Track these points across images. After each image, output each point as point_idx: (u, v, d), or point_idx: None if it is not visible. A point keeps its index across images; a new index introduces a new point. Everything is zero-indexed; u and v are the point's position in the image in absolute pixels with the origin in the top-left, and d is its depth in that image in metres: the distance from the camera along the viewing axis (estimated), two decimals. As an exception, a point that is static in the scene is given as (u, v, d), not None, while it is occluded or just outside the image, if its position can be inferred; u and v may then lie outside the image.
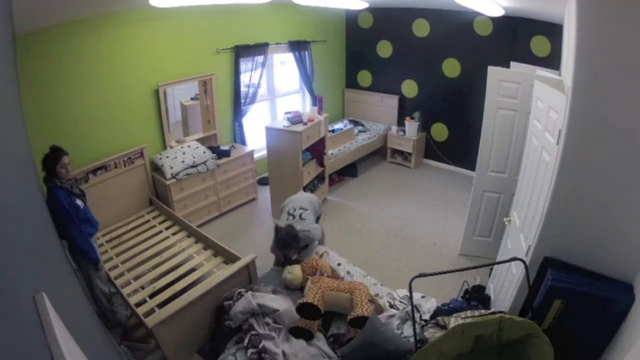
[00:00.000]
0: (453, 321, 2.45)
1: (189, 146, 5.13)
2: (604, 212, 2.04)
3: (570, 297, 2.10)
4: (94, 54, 4.17)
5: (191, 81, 5.24)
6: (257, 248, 4.93)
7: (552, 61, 4.74)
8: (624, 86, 1.82)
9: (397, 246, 4.92)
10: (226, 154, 5.51)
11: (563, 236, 2.23)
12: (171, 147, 5.10)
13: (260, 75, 5.98)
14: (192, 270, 3.77)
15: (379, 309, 3.26)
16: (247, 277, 3.67)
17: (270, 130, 5.17)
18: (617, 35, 1.77)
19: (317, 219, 4.13)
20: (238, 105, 5.88)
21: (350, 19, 7.55)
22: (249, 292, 3.19)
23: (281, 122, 5.16)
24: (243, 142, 6.06)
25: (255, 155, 6.01)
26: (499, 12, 4.95)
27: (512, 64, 4.62)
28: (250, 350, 2.82)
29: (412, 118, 7.20)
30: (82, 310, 2.39)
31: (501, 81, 3.99)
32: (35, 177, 2.14)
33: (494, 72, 4.02)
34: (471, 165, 5.49)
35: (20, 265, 1.37)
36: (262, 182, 6.50)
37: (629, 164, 1.89)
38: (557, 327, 2.19)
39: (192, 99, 5.50)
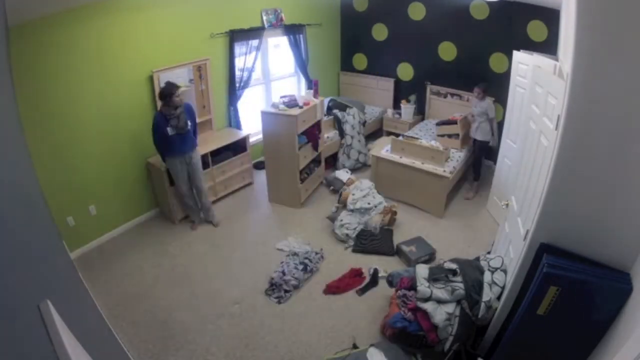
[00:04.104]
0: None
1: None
2: (602, 199, 2.05)
3: (565, 284, 2.12)
4: (85, 44, 4.07)
5: (186, 66, 5.15)
6: (255, 230, 4.99)
7: (549, 46, 4.73)
8: (623, 71, 1.81)
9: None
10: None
11: (561, 222, 2.24)
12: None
13: (255, 59, 5.92)
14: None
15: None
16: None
17: (265, 114, 5.13)
18: (616, 20, 1.77)
19: None
20: (233, 89, 5.82)
21: (345, 2, 7.45)
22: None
23: (277, 106, 5.13)
24: (238, 127, 6.03)
25: (251, 140, 5.98)
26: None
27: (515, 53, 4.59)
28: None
29: (408, 101, 7.22)
30: (91, 316, 2.35)
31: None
32: (35, 176, 2.09)
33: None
34: (466, 149, 5.54)
35: (22, 272, 1.31)
36: (258, 166, 6.49)
37: (628, 151, 1.89)
38: (553, 313, 2.23)
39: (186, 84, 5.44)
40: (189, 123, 4.47)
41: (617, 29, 1.77)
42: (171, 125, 4.36)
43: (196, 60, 5.20)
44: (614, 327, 2.05)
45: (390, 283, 3.61)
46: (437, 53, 6.66)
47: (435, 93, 6.95)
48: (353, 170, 6.27)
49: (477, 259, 3.34)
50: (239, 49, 5.70)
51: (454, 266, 3.21)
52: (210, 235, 4.92)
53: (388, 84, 7.48)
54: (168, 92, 4.27)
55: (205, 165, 5.25)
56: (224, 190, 5.69)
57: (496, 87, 5.97)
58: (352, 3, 7.39)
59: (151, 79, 4.73)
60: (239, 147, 5.76)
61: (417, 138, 5.62)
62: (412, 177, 5.28)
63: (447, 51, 6.55)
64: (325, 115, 6.18)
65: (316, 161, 5.89)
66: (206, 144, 5.32)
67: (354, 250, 4.58)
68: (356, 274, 4.19)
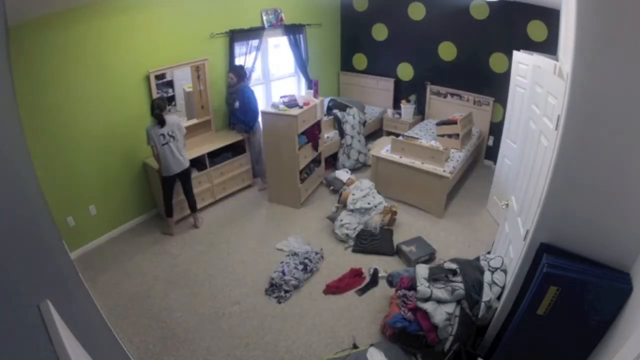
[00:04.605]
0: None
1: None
2: (602, 199, 2.04)
3: (565, 284, 2.11)
4: (84, 45, 4.07)
5: (184, 67, 5.10)
6: (255, 230, 4.99)
7: (549, 46, 4.74)
8: (623, 71, 1.81)
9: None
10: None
11: (561, 222, 2.24)
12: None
13: (255, 59, 5.91)
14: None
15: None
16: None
17: (265, 114, 5.14)
18: (616, 20, 1.76)
19: None
20: (233, 89, 5.83)
21: (345, 2, 7.46)
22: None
23: (277, 106, 5.13)
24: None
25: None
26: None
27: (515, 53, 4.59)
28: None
29: (408, 101, 7.22)
30: (92, 317, 2.35)
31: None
32: (35, 176, 2.08)
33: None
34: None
35: (22, 272, 1.30)
36: (258, 166, 6.50)
37: (628, 151, 1.89)
38: (553, 313, 2.22)
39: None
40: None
41: (617, 29, 1.77)
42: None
43: (194, 60, 5.17)
44: (614, 327, 2.05)
45: (390, 283, 3.61)
46: (437, 53, 6.66)
47: (435, 93, 6.96)
48: (353, 170, 6.27)
49: (477, 259, 3.34)
50: (239, 49, 5.69)
51: (454, 266, 3.21)
52: (211, 235, 4.92)
53: (388, 84, 7.49)
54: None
55: (203, 166, 5.27)
56: (222, 192, 5.66)
57: (496, 87, 5.99)
58: (352, 3, 7.39)
59: (148, 79, 4.71)
60: (238, 148, 5.74)
61: (417, 138, 5.62)
62: (412, 177, 5.28)
63: (447, 51, 6.55)
64: (325, 115, 6.19)
65: (316, 161, 5.89)
66: (204, 145, 5.33)
67: (354, 250, 4.58)
68: (356, 274, 4.19)
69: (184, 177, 4.71)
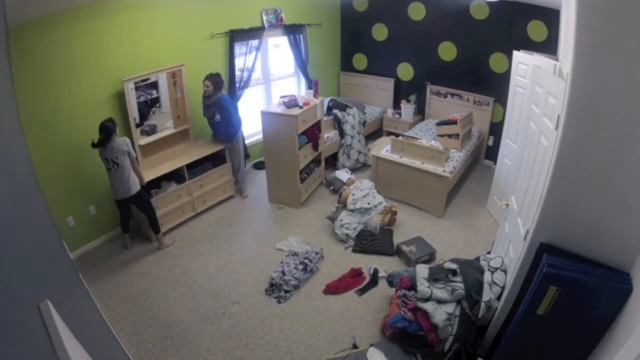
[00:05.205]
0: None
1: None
2: (602, 199, 2.04)
3: (565, 284, 2.11)
4: (85, 43, 4.08)
5: (158, 73, 4.72)
6: (255, 230, 4.98)
7: (549, 46, 4.74)
8: (623, 71, 1.81)
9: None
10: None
11: (561, 222, 2.24)
12: (140, 146, 4.77)
13: (255, 59, 5.91)
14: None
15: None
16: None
17: (265, 114, 5.14)
18: (616, 20, 1.76)
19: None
20: (233, 89, 5.82)
21: (345, 2, 7.46)
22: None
23: (277, 106, 5.13)
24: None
25: (251, 139, 5.98)
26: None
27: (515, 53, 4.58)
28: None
29: (408, 101, 7.22)
30: (92, 317, 2.35)
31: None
32: (35, 177, 2.08)
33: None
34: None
35: (22, 272, 1.30)
36: (258, 166, 6.50)
37: (628, 151, 1.89)
38: (553, 313, 2.22)
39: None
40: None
41: (617, 29, 1.77)
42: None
43: (169, 66, 4.83)
44: (614, 327, 2.05)
45: (390, 283, 3.61)
46: (437, 53, 6.66)
47: (435, 93, 6.96)
48: (353, 170, 6.26)
49: (477, 259, 3.34)
50: (239, 49, 5.69)
51: (454, 266, 3.21)
52: (211, 235, 4.92)
53: (388, 84, 7.48)
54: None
55: (182, 179, 5.00)
56: (203, 205, 5.36)
57: (496, 87, 5.98)
58: (352, 3, 7.39)
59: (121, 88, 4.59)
60: (218, 158, 5.43)
61: (417, 138, 5.62)
62: (412, 177, 5.28)
63: (447, 51, 6.55)
64: (325, 115, 6.19)
65: (316, 161, 5.90)
66: (182, 156, 5.08)
67: (354, 250, 4.58)
68: (356, 274, 4.19)
69: (134, 202, 4.37)
